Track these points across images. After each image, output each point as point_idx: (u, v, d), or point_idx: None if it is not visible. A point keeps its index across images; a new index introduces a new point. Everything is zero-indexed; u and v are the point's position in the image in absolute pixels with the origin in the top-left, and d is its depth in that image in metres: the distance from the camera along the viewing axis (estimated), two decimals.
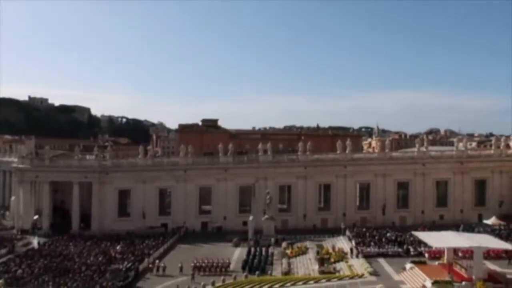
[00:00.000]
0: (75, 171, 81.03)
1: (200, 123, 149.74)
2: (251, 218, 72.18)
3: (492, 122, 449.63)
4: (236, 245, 66.88)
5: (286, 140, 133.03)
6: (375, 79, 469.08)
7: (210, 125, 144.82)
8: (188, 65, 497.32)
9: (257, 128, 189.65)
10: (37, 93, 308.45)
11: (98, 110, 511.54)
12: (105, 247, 65.48)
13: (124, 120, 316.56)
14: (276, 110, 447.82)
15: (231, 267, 55.31)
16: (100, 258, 58.62)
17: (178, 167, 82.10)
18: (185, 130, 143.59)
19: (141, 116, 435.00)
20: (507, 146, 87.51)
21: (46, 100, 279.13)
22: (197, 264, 54.45)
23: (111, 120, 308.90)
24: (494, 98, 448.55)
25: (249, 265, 54.71)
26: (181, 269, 53.34)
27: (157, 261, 57.35)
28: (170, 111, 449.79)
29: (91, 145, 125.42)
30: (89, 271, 52.79)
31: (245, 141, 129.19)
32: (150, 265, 56.52)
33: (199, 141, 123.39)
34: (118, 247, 64.50)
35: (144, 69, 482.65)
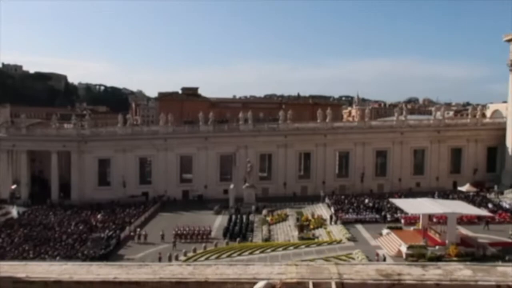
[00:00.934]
0: (53, 140, 79.77)
1: (180, 92, 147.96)
2: (232, 186, 72.79)
3: (470, 92, 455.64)
4: (217, 213, 67.65)
5: (267, 108, 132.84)
6: (356, 47, 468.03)
7: (190, 93, 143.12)
8: (168, 32, 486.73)
9: (237, 96, 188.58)
10: (11, 60, 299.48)
11: (75, 77, 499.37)
12: (85, 216, 65.43)
13: (102, 88, 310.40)
14: (257, 78, 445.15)
15: (212, 234, 56.14)
16: (81, 227, 58.67)
17: (158, 136, 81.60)
18: (165, 98, 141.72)
19: (119, 84, 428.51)
20: (483, 115, 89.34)
21: (21, 67, 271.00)
22: (179, 231, 55.03)
23: (88, 88, 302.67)
24: (472, 68, 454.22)
25: (230, 232, 55.61)
26: (162, 236, 53.89)
27: (138, 229, 57.75)
28: (150, 79, 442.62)
29: (69, 114, 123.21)
30: (70, 239, 52.94)
31: (226, 110, 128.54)
32: (132, 233, 56.92)
33: (179, 109, 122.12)
34: (99, 216, 64.55)
35: (122, 35, 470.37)
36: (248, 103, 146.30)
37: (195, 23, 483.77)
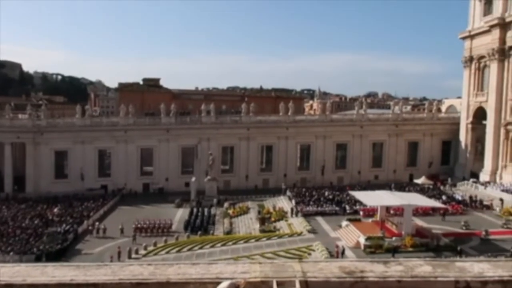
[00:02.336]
0: (6, 131, 76.34)
1: (141, 82, 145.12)
2: (193, 179, 72.27)
3: (426, 87, 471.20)
4: (178, 206, 67.03)
5: (229, 101, 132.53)
6: (319, 41, 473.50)
7: (152, 84, 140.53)
8: (129, 21, 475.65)
9: (200, 88, 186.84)
10: None
11: (30, 66, 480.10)
12: (41, 210, 63.26)
13: (59, 77, 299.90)
14: (219, 70, 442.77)
15: (173, 227, 55.60)
16: (36, 221, 56.69)
17: (118, 128, 79.76)
18: (125, 89, 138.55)
19: (78, 74, 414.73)
20: (439, 110, 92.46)
21: None
22: (139, 225, 54.15)
23: (45, 77, 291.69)
24: (429, 64, 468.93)
25: (191, 226, 55.26)
26: (122, 230, 52.86)
27: (97, 223, 56.40)
28: (109, 69, 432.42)
29: (24, 104, 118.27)
30: (25, 234, 51.08)
31: (188, 102, 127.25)
32: (90, 227, 55.55)
33: (140, 100, 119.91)
34: (55, 210, 62.59)
35: (81, 23, 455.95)
36: (210, 95, 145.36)
37: (157, 13, 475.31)
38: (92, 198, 69.93)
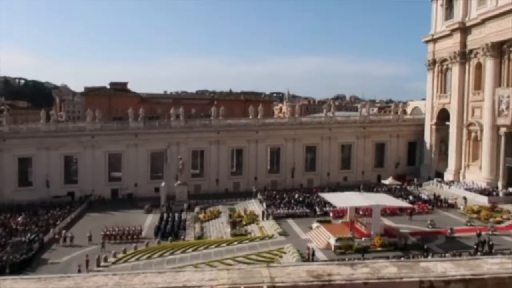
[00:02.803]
0: None
1: (108, 86, 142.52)
2: (163, 184, 71.40)
3: (392, 89, 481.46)
4: (148, 211, 66.12)
5: (199, 104, 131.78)
6: (287, 44, 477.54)
7: (119, 88, 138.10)
8: (95, 24, 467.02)
9: (169, 92, 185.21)
10: None
11: None
12: (4, 219, 61.16)
13: (22, 81, 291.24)
14: (188, 74, 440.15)
15: (143, 234, 54.73)
16: None
17: (85, 133, 78.05)
18: (91, 93, 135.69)
19: (42, 78, 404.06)
20: (404, 112, 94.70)
21: None
22: (107, 232, 53.04)
23: (7, 81, 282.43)
24: (395, 67, 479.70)
25: (161, 231, 54.54)
26: (90, 238, 51.66)
27: (63, 231, 54.90)
28: (75, 73, 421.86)
29: None
30: None
31: (157, 106, 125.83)
32: (56, 236, 54.03)
33: (107, 105, 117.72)
34: (19, 219, 60.60)
35: (45, 25, 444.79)
36: (179, 99, 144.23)
37: (123, 15, 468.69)
38: (58, 205, 68.07)
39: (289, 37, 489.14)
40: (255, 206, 65.26)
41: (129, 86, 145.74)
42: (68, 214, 63.95)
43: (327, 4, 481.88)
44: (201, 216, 61.79)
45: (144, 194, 75.02)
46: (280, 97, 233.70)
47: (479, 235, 44.22)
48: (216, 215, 62.19)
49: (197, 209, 65.28)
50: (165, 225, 56.74)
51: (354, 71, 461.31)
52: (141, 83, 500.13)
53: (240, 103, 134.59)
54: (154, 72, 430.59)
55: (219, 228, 56.97)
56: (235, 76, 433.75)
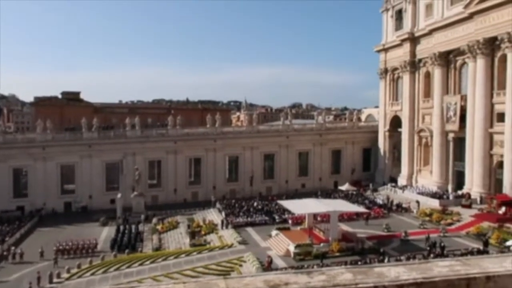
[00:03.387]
0: None
1: (60, 96, 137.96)
2: (119, 195, 69.69)
3: (347, 97, 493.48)
4: (104, 224, 64.27)
5: (155, 114, 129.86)
6: (244, 54, 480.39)
7: (72, 98, 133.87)
8: (43, 32, 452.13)
9: (124, 101, 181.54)
10: None
11: None
12: None
13: None
14: (144, 83, 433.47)
15: (99, 247, 53.13)
16: None
17: (35, 144, 75.06)
18: (42, 103, 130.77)
19: None
20: (359, 119, 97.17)
21: None
22: (60, 247, 51.11)
23: None
24: (349, 76, 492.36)
25: (118, 244, 53.12)
26: (41, 254, 49.54)
27: (12, 247, 52.43)
28: (24, 82, 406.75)
29: None
30: None
31: (111, 115, 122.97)
32: (5, 253, 51.46)
33: (59, 115, 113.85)
34: None
35: None
36: (135, 108, 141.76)
37: (76, 23, 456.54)
38: (6, 221, 64.90)
39: (245, 47, 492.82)
40: (214, 216, 64.80)
41: (82, 96, 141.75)
42: (17, 229, 61.13)
43: (281, 15, 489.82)
44: (159, 227, 60.68)
45: (99, 206, 72.90)
46: (237, 106, 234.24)
47: (427, 238, 45.73)
48: (175, 226, 61.24)
49: (154, 220, 64.07)
50: (121, 238, 55.29)
51: (310, 79, 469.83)
52: (95, 93, 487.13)
53: (198, 112, 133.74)
54: (109, 81, 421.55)
55: (177, 239, 56.12)
56: (192, 85, 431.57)
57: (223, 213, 63.28)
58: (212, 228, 57.49)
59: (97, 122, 79.83)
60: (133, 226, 60.30)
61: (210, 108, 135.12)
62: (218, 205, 69.43)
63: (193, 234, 54.43)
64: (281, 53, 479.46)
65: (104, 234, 59.54)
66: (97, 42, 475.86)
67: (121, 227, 59.68)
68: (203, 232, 56.05)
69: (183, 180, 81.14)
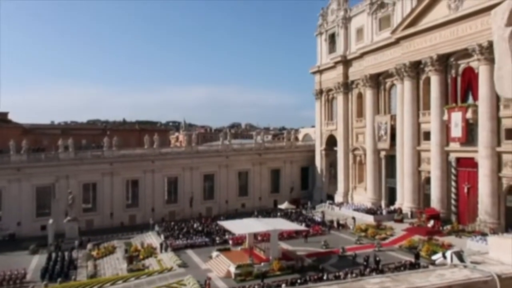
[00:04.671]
0: None
1: None
2: (50, 221, 65.92)
3: (285, 117, 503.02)
4: (34, 252, 60.44)
5: (90, 135, 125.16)
6: (181, 74, 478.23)
7: None
8: None
9: (56, 122, 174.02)
10: None
11: None
12: None
13: None
14: (78, 103, 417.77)
15: (28, 277, 49.81)
16: None
17: None
18: None
19: None
20: (296, 138, 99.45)
21: None
22: None
23: None
24: (287, 96, 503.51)
25: (49, 273, 50.03)
26: None
27: None
28: None
29: None
30: None
31: (43, 137, 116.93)
32: None
33: None
34: None
35: None
36: (68, 129, 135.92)
37: (1, 41, 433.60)
38: None
39: (182, 67, 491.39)
40: (152, 239, 63.03)
41: (10, 116, 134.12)
42: None
43: (216, 36, 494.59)
44: (94, 253, 58.02)
45: (29, 234, 68.54)
46: (176, 126, 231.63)
47: (354, 257, 47.08)
48: (111, 251, 58.84)
49: (89, 246, 61.19)
50: (53, 266, 52.19)
51: (248, 100, 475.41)
52: (25, 113, 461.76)
53: (135, 132, 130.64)
54: (40, 102, 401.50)
55: (114, 264, 53.90)
56: (129, 105, 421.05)
57: (162, 236, 61.72)
58: (150, 252, 55.82)
59: (27, 144, 75.67)
60: (66, 253, 57.17)
61: (148, 129, 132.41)
62: (156, 227, 67.69)
63: (130, 259, 52.54)
64: (219, 74, 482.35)
65: (34, 262, 55.96)
66: (27, 61, 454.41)
67: (53, 255, 56.41)
68: (141, 257, 54.28)
69: (120, 203, 78.47)
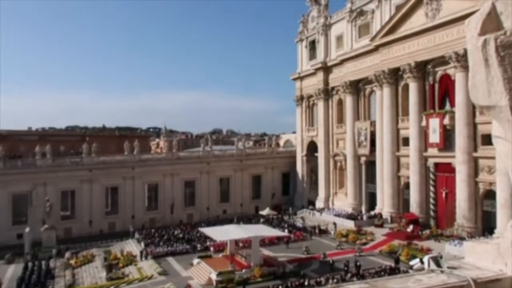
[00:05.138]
0: None
1: None
2: (27, 229, 64.56)
3: (266, 123, 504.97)
4: (10, 261, 59.01)
5: (69, 141, 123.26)
6: (162, 79, 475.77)
7: None
8: None
9: (34, 128, 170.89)
10: None
11: None
12: None
13: None
14: (57, 109, 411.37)
15: (3, 287, 48.60)
16: None
17: None
18: None
19: None
20: (277, 144, 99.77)
21: None
22: None
23: None
24: (268, 101, 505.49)
25: (25, 283, 48.89)
26: None
27: None
28: None
29: None
30: None
31: (19, 143, 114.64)
32: None
33: None
34: None
35: None
36: (46, 136, 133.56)
37: None
38: None
39: (163, 72, 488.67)
40: (132, 247, 62.25)
41: None
42: None
43: (197, 41, 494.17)
44: (72, 261, 56.91)
45: (4, 242, 66.65)
46: (157, 132, 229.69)
47: (332, 263, 47.09)
48: (90, 260, 57.87)
49: (67, 254, 60.00)
50: (30, 275, 51.04)
51: (229, 105, 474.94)
52: (1, 119, 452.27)
53: (115, 138, 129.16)
54: (16, 107, 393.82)
55: (93, 273, 53.01)
56: (109, 111, 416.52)
57: (142, 244, 61.00)
58: (130, 259, 55.10)
59: (2, 150, 74.05)
60: (43, 262, 55.96)
61: (128, 135, 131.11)
62: (137, 235, 66.91)
63: (110, 267, 51.70)
64: (200, 79, 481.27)
65: (10, 272, 54.61)
66: (1, 65, 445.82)
67: (30, 264, 55.19)
68: (121, 265, 53.49)
69: (99, 211, 77.32)
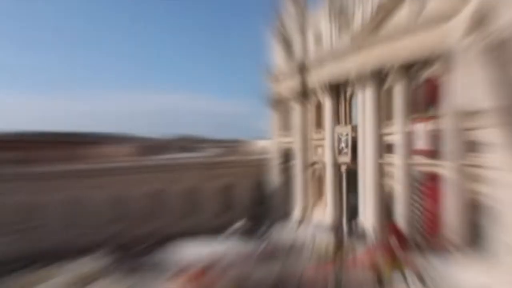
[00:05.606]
0: None
1: None
2: None
3: (239, 127, 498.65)
4: None
5: None
6: (120, 78, 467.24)
7: None
8: None
9: None
10: None
11: None
12: None
13: None
14: None
15: None
16: None
17: None
18: None
19: None
20: (251, 151, 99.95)
21: None
22: None
23: None
24: (241, 105, 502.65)
25: None
26: None
27: None
28: None
29: None
30: None
31: None
32: None
33: None
34: None
35: None
36: None
37: None
38: None
39: (118, 70, 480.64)
40: (92, 264, 61.31)
41: None
42: None
43: (159, 35, 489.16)
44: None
45: None
46: (114, 138, 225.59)
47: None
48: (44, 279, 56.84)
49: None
50: None
51: (197, 108, 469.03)
52: None
53: (62, 145, 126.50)
54: None
55: None
56: (53, 114, 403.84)
57: (103, 261, 60.17)
58: (92, 278, 54.42)
59: None
60: None
61: (79, 141, 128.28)
62: (96, 252, 65.91)
63: None
64: (163, 79, 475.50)
65: None
66: None
67: None
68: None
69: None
